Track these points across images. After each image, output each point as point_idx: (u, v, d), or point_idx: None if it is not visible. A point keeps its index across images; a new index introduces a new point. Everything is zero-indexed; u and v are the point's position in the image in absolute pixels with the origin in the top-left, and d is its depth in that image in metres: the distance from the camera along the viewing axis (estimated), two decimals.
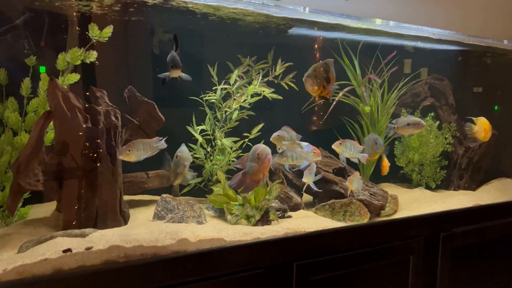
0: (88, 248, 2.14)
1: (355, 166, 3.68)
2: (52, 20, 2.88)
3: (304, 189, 3.29)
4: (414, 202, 3.74)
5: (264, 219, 2.91)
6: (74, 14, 2.90)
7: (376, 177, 4.04)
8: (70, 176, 2.39)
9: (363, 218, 3.33)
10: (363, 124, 3.82)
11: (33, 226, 2.47)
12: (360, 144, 3.08)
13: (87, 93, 2.62)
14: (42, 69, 2.74)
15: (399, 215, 3.57)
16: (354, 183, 3.17)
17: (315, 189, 3.15)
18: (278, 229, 2.78)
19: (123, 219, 2.66)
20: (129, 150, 2.33)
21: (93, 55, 2.66)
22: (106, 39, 2.67)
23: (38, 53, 2.72)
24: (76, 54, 2.56)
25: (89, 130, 2.42)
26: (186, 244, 2.41)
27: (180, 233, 2.45)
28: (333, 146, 3.04)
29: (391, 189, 4.03)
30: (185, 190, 3.43)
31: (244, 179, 2.57)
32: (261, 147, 2.56)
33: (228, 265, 2.48)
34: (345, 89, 3.67)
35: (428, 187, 4.11)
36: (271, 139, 2.82)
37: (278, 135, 2.79)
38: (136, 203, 3.14)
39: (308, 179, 3.10)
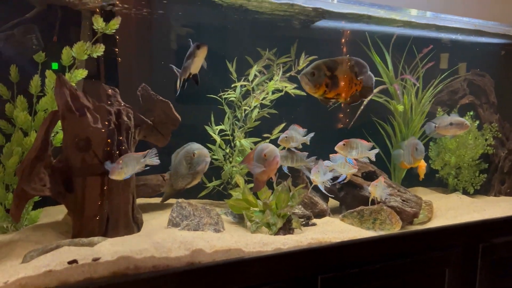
0: (95, 259, 1.99)
1: (385, 168, 3.42)
2: (65, 14, 2.74)
3: (323, 189, 3.05)
4: (450, 209, 3.43)
5: (286, 228, 2.69)
6: (88, 8, 2.75)
7: (409, 180, 3.75)
8: (78, 180, 2.24)
9: (395, 227, 3.06)
10: (395, 125, 3.53)
11: (42, 232, 2.35)
12: (393, 147, 2.81)
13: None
14: (55, 65, 2.61)
15: (434, 223, 3.29)
16: (378, 189, 2.88)
17: (323, 191, 2.83)
18: (301, 239, 2.57)
19: (136, 226, 2.50)
20: (121, 168, 2.14)
21: (100, 49, 2.49)
22: (113, 31, 2.50)
23: (50, 48, 2.58)
24: (82, 49, 2.40)
25: (99, 131, 2.26)
26: (201, 255, 2.23)
27: (195, 243, 2.27)
28: (336, 148, 2.73)
29: (425, 194, 3.73)
30: (203, 193, 3.25)
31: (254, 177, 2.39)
32: (269, 147, 2.35)
33: (246, 279, 2.29)
34: (378, 88, 3.38)
35: (465, 193, 3.78)
36: (279, 141, 2.60)
37: (287, 137, 2.58)
38: (151, 207, 2.98)
39: (316, 178, 2.74)
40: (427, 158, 3.80)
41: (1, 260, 2.01)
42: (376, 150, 2.77)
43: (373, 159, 2.79)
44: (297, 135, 2.70)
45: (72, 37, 2.76)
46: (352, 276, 2.63)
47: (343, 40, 3.78)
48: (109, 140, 2.28)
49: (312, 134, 2.70)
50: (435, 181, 3.98)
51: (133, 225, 2.47)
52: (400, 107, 3.36)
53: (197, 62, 2.32)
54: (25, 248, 2.12)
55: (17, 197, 2.05)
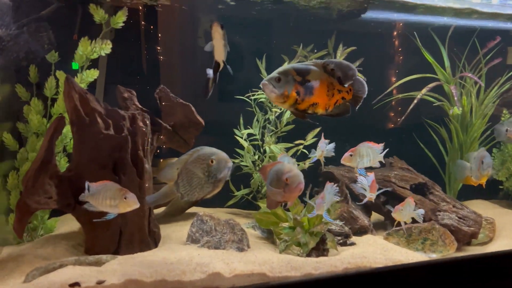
0: (99, 282, 1.79)
1: (438, 179, 2.98)
2: (86, 12, 2.56)
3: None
4: None
5: (320, 248, 2.37)
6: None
7: (466, 192, 3.27)
8: None
9: (448, 249, 2.64)
10: (451, 129, 3.05)
11: (54, 245, 2.20)
12: (448, 154, 2.35)
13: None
14: (75, 65, 2.45)
15: (496, 244, 2.82)
16: (403, 214, 2.37)
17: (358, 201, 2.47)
18: (336, 262, 2.24)
19: (153, 241, 2.30)
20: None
21: (107, 46, 2.29)
22: (120, 25, 2.29)
23: (71, 47, 2.42)
24: (88, 47, 2.21)
25: (111, 138, 2.06)
26: (218, 279, 1.97)
27: (213, 265, 2.01)
28: (342, 161, 2.26)
29: (485, 209, 3.23)
30: (230, 202, 3.00)
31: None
32: (292, 171, 2.00)
33: None
34: (429, 86, 2.93)
35: None
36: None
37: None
38: (174, 217, 2.77)
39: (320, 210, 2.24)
40: None
41: (4, 278, 1.87)
42: (385, 150, 2.31)
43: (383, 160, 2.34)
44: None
45: (94, 35, 2.58)
46: None
47: (394, 33, 3.35)
48: (121, 149, 2.07)
49: (384, 151, 2.24)
50: (498, 193, 3.45)
51: (149, 240, 2.26)
52: (457, 111, 2.89)
53: (217, 45, 2.04)
54: (30, 264, 1.97)
55: (19, 211, 1.90)
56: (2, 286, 1.79)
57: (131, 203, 1.81)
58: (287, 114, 2.87)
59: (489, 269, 2.50)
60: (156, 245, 2.33)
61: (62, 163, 2.42)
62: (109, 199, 1.79)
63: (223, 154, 1.88)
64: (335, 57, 2.85)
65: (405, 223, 2.42)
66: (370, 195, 2.35)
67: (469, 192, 3.24)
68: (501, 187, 3.34)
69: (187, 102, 2.45)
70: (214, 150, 1.90)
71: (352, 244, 2.59)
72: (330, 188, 2.23)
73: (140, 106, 2.27)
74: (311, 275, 2.14)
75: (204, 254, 2.14)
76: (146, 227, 2.25)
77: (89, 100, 2.03)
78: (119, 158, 2.10)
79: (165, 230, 2.55)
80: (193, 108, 2.45)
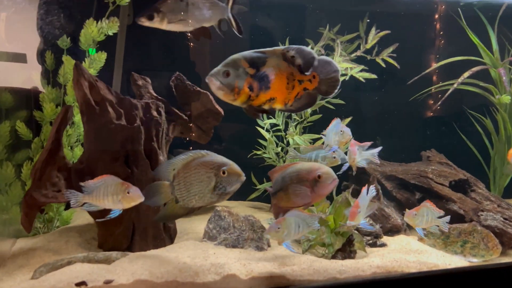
0: (107, 282, 1.69)
1: (482, 175, 2.70)
2: None
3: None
4: None
5: (346, 249, 2.18)
6: None
7: (507, 188, 2.95)
8: None
9: (491, 253, 2.39)
10: (498, 119, 2.74)
11: (67, 238, 2.14)
12: (493, 147, 2.05)
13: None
14: (92, 51, 2.35)
15: None
16: (417, 218, 2.12)
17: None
18: (364, 266, 2.05)
19: (168, 237, 2.19)
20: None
21: (115, 25, 2.15)
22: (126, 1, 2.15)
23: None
24: (92, 28, 2.08)
25: (123, 128, 1.95)
26: (233, 282, 1.84)
27: (228, 266, 1.88)
28: (405, 218, 2.10)
29: None
30: (252, 196, 2.85)
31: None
32: (324, 167, 1.82)
33: None
34: (472, 70, 2.62)
35: None
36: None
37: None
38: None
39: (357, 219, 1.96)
40: None
41: (13, 273, 1.81)
42: (447, 218, 2.06)
43: (445, 229, 2.11)
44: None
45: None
46: None
47: (435, 14, 3.04)
48: (134, 140, 1.95)
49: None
50: None
51: (164, 236, 2.16)
52: (506, 99, 2.58)
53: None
54: (41, 259, 1.91)
55: (26, 205, 1.83)
56: (10, 281, 1.74)
57: (135, 197, 1.69)
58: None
59: None
60: (172, 241, 2.23)
61: (78, 153, 2.34)
62: (111, 195, 1.67)
63: (236, 167, 1.70)
64: (366, 42, 2.60)
65: (424, 229, 2.17)
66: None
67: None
68: None
69: (205, 90, 2.30)
70: (225, 159, 1.71)
71: (383, 245, 2.38)
72: (366, 195, 1.97)
73: (155, 94, 2.14)
74: (336, 279, 1.96)
75: (220, 253, 2.01)
76: (160, 222, 2.13)
77: (99, 88, 1.92)
78: (131, 150, 1.99)
79: (183, 225, 2.44)
80: (211, 97, 2.29)
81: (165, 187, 1.74)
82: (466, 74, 2.61)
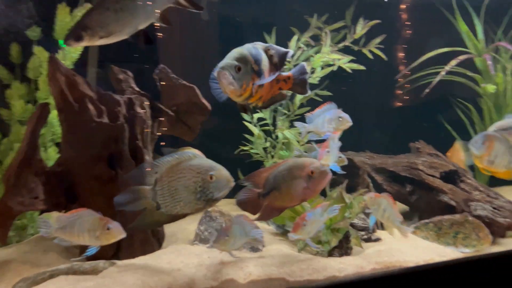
0: None
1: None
2: None
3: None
4: None
5: (343, 246, 2.15)
6: None
7: (493, 178, 3.02)
8: (82, 188, 1.82)
9: (482, 243, 2.43)
10: (484, 109, 2.78)
11: (44, 248, 1.99)
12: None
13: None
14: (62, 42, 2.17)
15: None
16: (373, 205, 1.97)
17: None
18: (362, 262, 2.03)
19: (157, 241, 2.08)
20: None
21: None
22: None
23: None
24: (67, 16, 1.91)
25: (105, 127, 1.81)
26: (232, 286, 1.76)
27: (225, 270, 1.80)
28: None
29: None
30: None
31: (260, 202, 1.83)
32: (317, 162, 1.79)
33: None
34: (457, 58, 2.64)
35: None
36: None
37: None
38: None
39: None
40: None
41: None
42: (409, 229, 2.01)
43: (406, 236, 1.99)
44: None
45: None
46: None
47: (420, 3, 3.04)
48: (117, 139, 1.82)
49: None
50: None
51: (152, 241, 2.05)
52: (492, 88, 2.62)
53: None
54: (17, 273, 1.76)
55: (0, 215, 1.67)
56: None
57: (115, 234, 1.58)
58: (301, 95, 2.60)
59: None
60: (160, 245, 2.12)
61: (52, 154, 2.18)
62: (87, 232, 1.54)
63: (225, 171, 1.60)
64: (354, 32, 2.56)
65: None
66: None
67: (496, 178, 2.99)
68: None
69: (191, 84, 2.18)
70: (212, 163, 1.61)
71: (378, 239, 2.37)
72: (317, 212, 1.90)
73: (137, 89, 2.01)
74: (336, 277, 1.93)
75: (215, 257, 1.92)
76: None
77: (78, 84, 1.77)
78: (115, 150, 1.85)
79: (169, 227, 2.32)
80: (197, 91, 2.18)
81: (145, 192, 1.62)
82: (453, 62, 2.63)
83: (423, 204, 2.58)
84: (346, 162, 2.01)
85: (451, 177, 2.58)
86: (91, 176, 1.82)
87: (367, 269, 2.00)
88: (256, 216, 1.93)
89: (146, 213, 1.68)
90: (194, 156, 1.63)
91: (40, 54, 1.98)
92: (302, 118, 2.72)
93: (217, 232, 2.11)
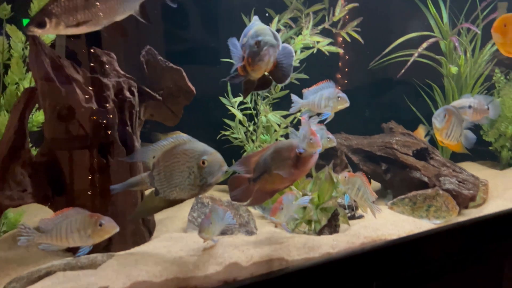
0: None
1: (433, 143, 2.95)
2: None
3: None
4: (508, 189, 3.00)
5: (332, 225, 2.23)
6: None
7: (454, 154, 3.27)
8: (70, 178, 1.71)
9: (451, 214, 2.65)
10: (447, 90, 3.00)
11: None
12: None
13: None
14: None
15: (490, 206, 2.88)
16: (347, 184, 2.03)
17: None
18: (352, 238, 2.13)
19: (147, 231, 2.02)
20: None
21: None
22: None
23: None
24: None
25: (94, 112, 1.71)
26: (236, 270, 1.77)
27: (228, 254, 1.80)
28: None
29: (476, 171, 3.28)
30: (221, 179, 2.74)
31: (250, 187, 1.85)
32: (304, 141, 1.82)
33: None
34: (428, 41, 2.81)
35: None
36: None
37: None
38: None
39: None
40: (478, 129, 3.32)
41: None
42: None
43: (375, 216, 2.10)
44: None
45: None
46: (410, 279, 2.24)
47: None
48: (107, 125, 1.74)
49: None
50: (483, 154, 3.53)
51: (143, 230, 1.98)
52: (454, 69, 2.83)
53: None
54: (5, 273, 1.63)
55: None
56: None
57: (109, 229, 1.52)
58: None
59: (488, 231, 2.56)
60: (151, 235, 2.06)
61: None
62: (77, 231, 1.46)
63: (217, 156, 1.57)
64: (333, 14, 2.62)
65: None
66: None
67: (457, 154, 3.25)
68: (490, 148, 3.41)
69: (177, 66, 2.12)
70: (206, 147, 1.58)
71: (361, 216, 2.50)
72: (290, 198, 1.97)
73: (122, 72, 1.91)
74: (330, 254, 2.01)
75: (213, 242, 1.91)
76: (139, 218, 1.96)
77: (64, 66, 1.64)
78: (105, 137, 1.76)
79: (156, 215, 2.26)
80: (184, 73, 2.12)
81: (144, 178, 1.59)
82: (425, 45, 2.79)
83: (397, 181, 2.74)
84: (335, 143, 2.07)
85: (422, 154, 2.76)
86: (81, 166, 1.72)
87: (357, 244, 2.11)
88: (247, 202, 1.95)
89: (146, 199, 1.64)
90: (189, 140, 1.60)
91: (12, 33, 1.81)
92: (282, 101, 2.76)
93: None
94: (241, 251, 1.85)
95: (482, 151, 3.46)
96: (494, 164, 3.52)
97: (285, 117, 2.63)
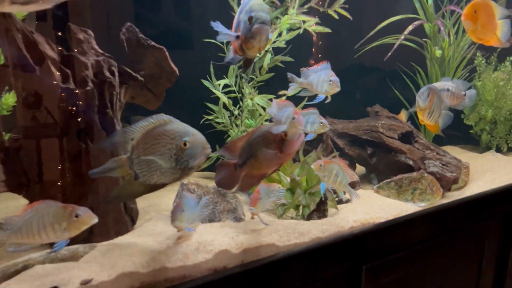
0: (85, 282, 1.43)
1: (416, 127, 2.96)
2: None
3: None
4: (487, 171, 3.07)
5: (321, 209, 2.21)
6: None
7: (435, 138, 3.31)
8: (46, 165, 1.60)
9: (435, 196, 2.68)
10: (431, 73, 3.01)
11: None
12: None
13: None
14: None
15: (471, 188, 2.94)
16: (323, 172, 1.93)
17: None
18: (341, 222, 2.12)
19: (130, 219, 1.94)
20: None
21: None
22: None
23: None
24: None
25: (72, 93, 1.60)
26: (226, 257, 1.72)
27: (218, 242, 1.75)
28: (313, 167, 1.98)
29: (457, 154, 3.34)
30: (204, 165, 2.68)
31: (237, 173, 1.79)
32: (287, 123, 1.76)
33: (281, 281, 1.83)
34: (414, 24, 2.79)
35: (498, 150, 3.42)
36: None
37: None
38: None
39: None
40: (457, 112, 3.36)
41: None
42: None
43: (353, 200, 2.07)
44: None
45: None
46: (397, 261, 2.26)
47: None
48: (86, 108, 1.63)
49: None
50: (462, 137, 3.59)
51: (125, 219, 1.89)
52: (438, 52, 2.83)
53: None
54: None
55: None
56: None
57: (86, 220, 1.41)
58: (268, 59, 2.55)
59: (470, 212, 2.61)
60: (133, 223, 1.98)
61: None
62: (50, 226, 1.34)
63: (200, 137, 1.47)
64: None
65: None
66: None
67: (438, 138, 3.28)
68: (471, 131, 3.47)
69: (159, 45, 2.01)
70: (188, 128, 1.47)
71: (348, 201, 2.48)
72: (267, 189, 1.92)
73: (101, 51, 1.79)
74: (320, 238, 1.99)
75: (202, 230, 1.85)
76: (121, 203, 1.87)
77: (38, 43, 1.52)
78: (84, 120, 1.65)
79: (139, 203, 2.17)
80: (167, 53, 2.02)
81: (123, 162, 1.49)
82: (410, 27, 2.77)
83: (382, 165, 2.74)
84: (328, 128, 2.02)
85: (407, 138, 2.77)
86: (58, 151, 1.61)
87: (346, 228, 2.10)
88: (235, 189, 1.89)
89: (124, 183, 1.54)
90: (170, 120, 1.49)
91: None
92: (268, 85, 2.70)
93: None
94: (231, 238, 1.80)
95: (462, 136, 3.53)
96: (474, 148, 3.59)
97: (271, 100, 2.56)
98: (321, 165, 1.97)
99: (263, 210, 1.93)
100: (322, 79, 1.85)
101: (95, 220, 1.46)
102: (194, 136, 1.47)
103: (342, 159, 2.04)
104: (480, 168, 3.14)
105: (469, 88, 2.25)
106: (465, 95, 2.25)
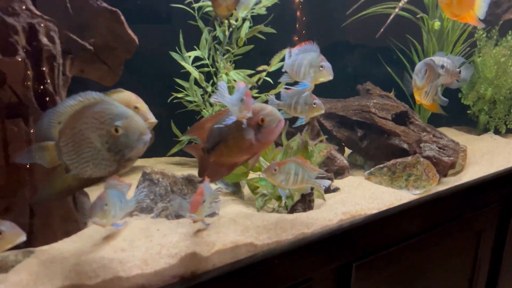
0: None
1: (410, 106, 2.75)
2: None
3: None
4: (485, 154, 2.89)
5: (306, 200, 1.98)
6: None
7: (431, 118, 3.10)
8: None
9: (431, 183, 2.49)
10: (429, 47, 2.76)
11: None
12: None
13: None
14: None
15: (469, 172, 2.75)
16: (279, 177, 1.68)
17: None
18: (329, 215, 1.91)
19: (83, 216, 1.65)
20: None
21: None
22: None
23: None
24: None
25: None
26: (194, 262, 1.49)
27: (183, 243, 1.50)
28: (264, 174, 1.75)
29: (452, 136, 3.13)
30: (174, 150, 2.41)
31: (206, 159, 1.59)
32: (267, 108, 1.49)
33: (261, 286, 1.61)
34: None
35: (497, 132, 3.24)
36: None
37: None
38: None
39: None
40: (454, 92, 3.15)
41: None
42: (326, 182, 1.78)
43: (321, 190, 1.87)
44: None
45: None
46: (390, 256, 2.07)
47: None
48: (18, 83, 1.33)
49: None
50: (456, 118, 3.40)
51: (76, 216, 1.62)
52: (437, 24, 2.59)
53: None
54: None
55: None
56: None
57: (12, 237, 1.20)
58: (246, 29, 2.25)
59: (469, 199, 2.44)
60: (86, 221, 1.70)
61: None
62: None
63: (136, 121, 1.17)
64: None
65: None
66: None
67: (434, 119, 3.08)
68: (468, 111, 3.27)
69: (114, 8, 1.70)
70: (121, 109, 1.17)
71: (336, 189, 2.26)
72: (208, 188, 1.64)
73: (39, 12, 1.48)
74: (305, 234, 1.77)
75: (166, 229, 1.59)
76: (70, 198, 1.59)
77: None
78: (15, 97, 1.36)
79: (92, 196, 1.90)
80: (122, 18, 1.71)
81: (50, 150, 1.20)
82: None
83: (373, 149, 2.52)
84: (323, 110, 1.75)
85: (402, 118, 2.54)
86: None
87: (335, 221, 1.89)
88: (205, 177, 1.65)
89: (54, 177, 1.26)
90: (100, 98, 1.17)
91: None
92: (246, 58, 2.42)
93: (161, 198, 1.76)
94: (200, 237, 1.55)
95: (458, 117, 3.33)
96: (471, 129, 3.40)
97: (250, 76, 2.28)
98: (275, 170, 1.71)
99: (207, 215, 1.64)
100: (307, 64, 1.54)
101: (22, 237, 1.23)
102: (128, 119, 1.17)
103: (300, 157, 1.75)
104: (477, 151, 2.95)
105: (462, 64, 2.02)
106: (460, 72, 2.02)
